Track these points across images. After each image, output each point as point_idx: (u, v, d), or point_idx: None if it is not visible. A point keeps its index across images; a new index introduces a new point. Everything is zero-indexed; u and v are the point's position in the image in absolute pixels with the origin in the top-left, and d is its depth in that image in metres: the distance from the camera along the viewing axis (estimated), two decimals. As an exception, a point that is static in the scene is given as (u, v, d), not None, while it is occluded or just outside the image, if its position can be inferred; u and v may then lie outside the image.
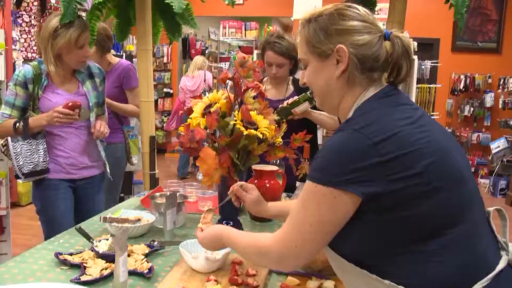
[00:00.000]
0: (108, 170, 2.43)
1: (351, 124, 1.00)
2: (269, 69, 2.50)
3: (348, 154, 0.94)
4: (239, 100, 1.72)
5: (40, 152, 2.14)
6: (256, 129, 1.64)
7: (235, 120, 1.65)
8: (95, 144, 2.34)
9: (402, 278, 0.96)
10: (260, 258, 1.10)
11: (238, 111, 1.66)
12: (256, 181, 2.01)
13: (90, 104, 2.29)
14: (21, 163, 2.10)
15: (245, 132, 1.62)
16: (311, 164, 1.00)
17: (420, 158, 0.94)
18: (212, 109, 1.63)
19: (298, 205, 1.01)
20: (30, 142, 2.13)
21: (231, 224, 1.84)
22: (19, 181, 2.18)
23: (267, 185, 1.99)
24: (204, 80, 6.72)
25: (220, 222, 1.87)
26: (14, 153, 2.10)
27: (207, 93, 6.64)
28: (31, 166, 2.13)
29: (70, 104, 2.10)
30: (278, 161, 2.20)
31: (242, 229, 1.86)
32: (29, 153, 2.12)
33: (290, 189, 2.22)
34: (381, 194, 0.93)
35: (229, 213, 1.86)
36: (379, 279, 0.97)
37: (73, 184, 2.29)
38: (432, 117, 4.10)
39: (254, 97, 1.67)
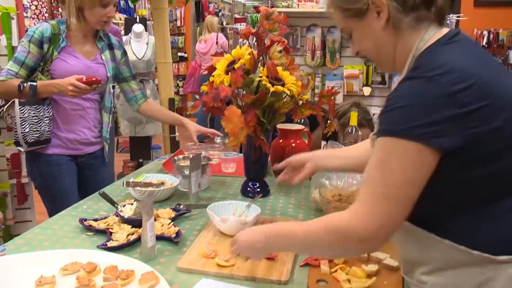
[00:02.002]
0: (107, 149, 2.23)
1: (421, 71, 0.88)
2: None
3: (426, 105, 0.83)
4: (263, 56, 1.61)
5: (46, 120, 1.95)
6: (283, 85, 1.54)
7: (260, 77, 1.54)
8: (101, 121, 2.17)
9: (468, 238, 0.87)
10: (336, 242, 0.92)
11: (263, 67, 1.56)
12: (281, 140, 1.93)
13: (109, 74, 2.10)
14: (27, 130, 1.89)
15: (272, 89, 1.51)
16: (382, 118, 0.89)
17: (500, 110, 0.85)
18: (236, 66, 1.53)
19: (375, 169, 0.88)
20: (38, 109, 1.92)
21: (257, 185, 1.78)
22: (20, 149, 1.98)
23: (293, 144, 1.91)
24: (217, 43, 6.54)
25: (246, 183, 1.80)
26: (20, 118, 1.88)
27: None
28: (36, 135, 1.93)
29: (91, 79, 1.87)
30: (303, 120, 2.12)
31: (269, 190, 1.80)
32: (36, 120, 1.92)
33: (314, 149, 2.12)
34: (459, 149, 0.84)
35: (255, 174, 1.79)
36: (440, 239, 0.90)
37: (75, 160, 2.11)
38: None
39: (279, 52, 1.55)
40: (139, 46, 3.70)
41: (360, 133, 2.09)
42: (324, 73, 3.56)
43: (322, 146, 2.19)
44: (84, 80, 1.86)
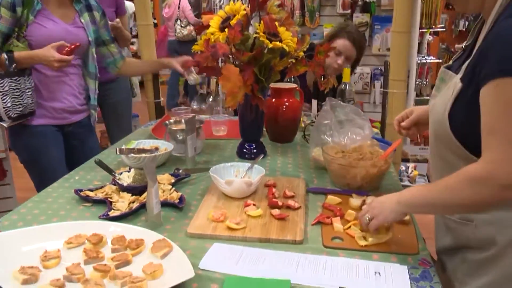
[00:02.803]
0: (95, 115, 2.11)
1: None
2: (335, 58, 2.27)
3: None
4: (258, 12, 1.52)
5: (28, 92, 1.81)
6: (280, 41, 1.45)
7: (257, 33, 1.45)
8: (86, 88, 2.04)
9: None
10: (479, 194, 0.87)
11: (259, 23, 1.46)
12: (274, 100, 1.87)
13: (90, 38, 1.97)
14: (9, 104, 1.75)
15: (270, 45, 1.43)
16: (494, 58, 0.84)
17: None
18: (232, 22, 1.43)
19: (501, 114, 0.84)
20: (19, 80, 1.77)
21: (254, 146, 1.72)
22: (3, 124, 1.82)
23: (286, 103, 1.86)
24: (179, 7, 6.29)
25: (242, 144, 1.74)
26: (0, 92, 1.74)
27: (179, 20, 6.29)
28: (20, 109, 1.79)
29: (73, 47, 1.75)
30: (293, 78, 2.06)
31: (265, 151, 1.74)
32: (17, 93, 1.78)
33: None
34: None
35: (252, 135, 1.72)
36: None
37: (61, 130, 1.98)
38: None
39: (277, 6, 1.46)
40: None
41: (353, 89, 2.05)
42: (303, 33, 3.46)
43: (314, 105, 2.14)
44: (66, 50, 1.75)
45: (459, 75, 0.97)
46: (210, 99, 2.34)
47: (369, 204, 1.11)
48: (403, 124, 1.34)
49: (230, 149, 1.84)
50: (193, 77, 2.06)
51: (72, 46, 1.76)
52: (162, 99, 2.57)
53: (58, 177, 1.54)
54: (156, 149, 1.66)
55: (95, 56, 2.03)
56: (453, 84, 0.98)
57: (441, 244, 1.15)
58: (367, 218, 1.08)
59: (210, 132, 2.05)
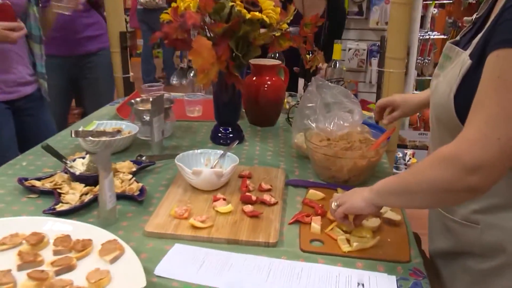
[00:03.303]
0: (46, 85, 1.99)
1: None
2: None
3: None
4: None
5: None
6: (260, 11, 1.36)
7: (233, 1, 1.36)
8: (30, 53, 1.92)
9: None
10: (441, 170, 0.82)
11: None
12: (254, 77, 1.81)
13: None
14: None
15: (247, 16, 1.34)
16: (506, 27, 0.79)
17: None
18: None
19: (490, 87, 0.79)
20: None
21: (230, 130, 1.65)
22: None
23: (268, 82, 1.80)
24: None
25: (216, 128, 1.67)
26: None
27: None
28: None
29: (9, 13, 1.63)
30: (277, 54, 1.99)
31: (243, 136, 1.68)
32: None
33: (291, 88, 2.01)
34: None
35: (228, 118, 1.65)
36: None
37: (12, 107, 1.86)
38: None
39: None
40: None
41: (344, 68, 1.98)
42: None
43: (301, 84, 2.07)
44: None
45: (468, 51, 0.91)
46: (192, 74, 2.25)
47: (340, 195, 1.09)
48: (384, 121, 1.34)
49: (204, 133, 1.78)
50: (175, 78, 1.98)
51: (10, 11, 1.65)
52: (131, 73, 2.47)
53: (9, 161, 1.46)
54: (119, 131, 1.60)
55: (37, 15, 1.90)
56: (460, 61, 0.93)
57: (437, 246, 1.11)
58: (335, 204, 1.06)
59: (183, 113, 1.99)
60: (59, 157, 1.35)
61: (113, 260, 0.93)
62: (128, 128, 1.65)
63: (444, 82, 0.97)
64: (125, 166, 1.37)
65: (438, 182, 0.83)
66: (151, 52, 6.69)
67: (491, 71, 0.79)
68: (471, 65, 0.88)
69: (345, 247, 1.03)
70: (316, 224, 1.11)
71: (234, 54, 1.42)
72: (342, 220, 1.06)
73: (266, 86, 1.79)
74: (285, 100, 1.97)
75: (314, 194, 1.27)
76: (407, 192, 0.90)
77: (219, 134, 1.66)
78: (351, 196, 1.04)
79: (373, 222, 1.11)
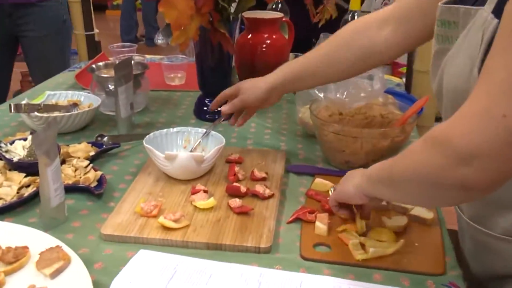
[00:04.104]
0: None
1: None
2: None
3: None
4: None
5: None
6: None
7: None
8: None
9: None
10: (430, 153, 0.75)
11: None
12: (250, 35, 1.79)
13: None
14: None
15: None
16: None
17: None
18: None
19: (505, 44, 0.70)
20: None
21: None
22: None
23: (267, 41, 1.78)
24: None
25: (201, 100, 1.68)
26: None
27: None
28: None
29: None
30: (280, 5, 2.00)
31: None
32: None
33: (299, 47, 1.97)
34: None
35: (213, 87, 1.60)
36: None
37: None
38: None
39: None
40: None
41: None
42: None
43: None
44: None
45: (489, 6, 0.83)
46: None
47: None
48: (223, 108, 1.35)
49: (187, 107, 1.79)
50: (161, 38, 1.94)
51: None
52: (96, 30, 2.43)
53: None
54: (75, 105, 1.59)
55: None
56: (479, 23, 0.85)
57: (479, 268, 1.07)
58: (331, 190, 1.09)
59: (162, 81, 2.00)
60: (-7, 138, 1.32)
61: (54, 274, 0.89)
62: (88, 100, 1.64)
63: (459, 56, 0.89)
64: (81, 149, 1.35)
65: (422, 170, 0.77)
66: (133, 4, 6.63)
67: (506, 24, 0.71)
68: (498, 25, 0.79)
69: (359, 254, 0.99)
70: (321, 224, 1.07)
71: (219, 5, 1.40)
72: (336, 209, 1.07)
73: (264, 46, 1.76)
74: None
75: (321, 184, 1.25)
76: (392, 181, 0.87)
77: (204, 108, 1.65)
78: (346, 178, 1.04)
79: (397, 220, 1.07)
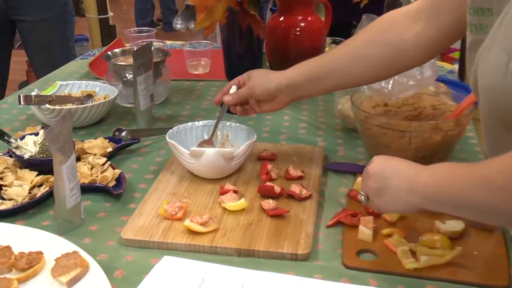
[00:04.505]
0: None
1: None
2: None
3: None
4: None
5: None
6: None
7: None
8: None
9: None
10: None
11: None
12: (282, 17, 1.80)
13: None
14: None
15: None
16: None
17: None
18: None
19: None
20: None
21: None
22: None
23: (302, 24, 1.79)
24: None
25: None
26: None
27: None
28: None
29: None
30: None
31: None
32: None
33: (338, 30, 1.97)
34: None
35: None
36: None
37: None
38: None
39: None
40: None
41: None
42: None
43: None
44: None
45: None
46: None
47: (368, 172, 1.02)
48: (225, 98, 1.32)
49: (212, 98, 1.74)
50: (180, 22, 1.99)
51: None
52: (111, 14, 2.46)
53: None
54: (90, 96, 1.62)
55: None
56: None
57: None
58: (363, 198, 1.03)
59: (184, 70, 2.02)
60: (1, 134, 1.35)
61: (71, 282, 0.92)
62: (104, 91, 1.66)
63: (494, 48, 0.88)
64: (97, 145, 1.38)
65: (504, 207, 0.78)
66: None
67: None
68: None
69: (409, 263, 0.99)
70: (366, 228, 1.08)
71: (249, -17, 1.43)
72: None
73: (298, 29, 1.76)
74: (327, 48, 1.94)
75: None
76: (461, 206, 0.86)
77: (232, 99, 1.64)
78: (382, 190, 0.97)
79: (452, 225, 1.07)
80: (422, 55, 1.19)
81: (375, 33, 1.22)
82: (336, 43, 2.07)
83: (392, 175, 0.96)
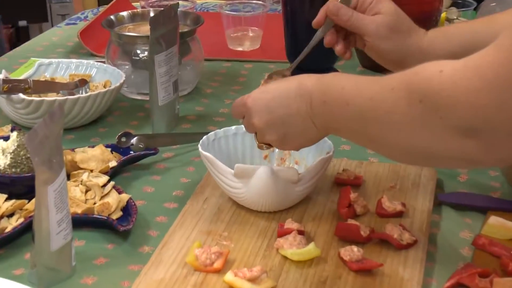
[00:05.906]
0: None
1: None
2: None
3: None
4: None
5: None
6: None
7: None
8: None
9: None
10: (417, 125, 0.94)
11: None
12: None
13: None
14: None
15: None
16: None
17: None
18: None
19: None
20: None
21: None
22: None
23: None
24: None
25: None
26: None
27: None
28: None
29: None
30: None
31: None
32: None
33: None
34: None
35: (313, 57, 1.63)
36: None
37: None
38: None
39: None
40: None
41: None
42: None
43: None
44: None
45: None
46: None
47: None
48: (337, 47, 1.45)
49: None
50: None
51: None
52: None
53: None
54: (83, 83, 1.64)
55: None
56: None
57: None
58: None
59: (223, 44, 2.05)
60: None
61: None
62: (104, 75, 1.69)
63: None
64: (95, 156, 1.41)
65: (408, 127, 0.97)
66: None
67: None
68: None
69: None
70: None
71: None
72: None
73: None
74: (443, 15, 1.98)
75: (501, 226, 1.26)
76: (367, 137, 1.08)
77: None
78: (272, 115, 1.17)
79: None
80: None
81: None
82: (457, 5, 2.10)
83: (275, 96, 1.17)
